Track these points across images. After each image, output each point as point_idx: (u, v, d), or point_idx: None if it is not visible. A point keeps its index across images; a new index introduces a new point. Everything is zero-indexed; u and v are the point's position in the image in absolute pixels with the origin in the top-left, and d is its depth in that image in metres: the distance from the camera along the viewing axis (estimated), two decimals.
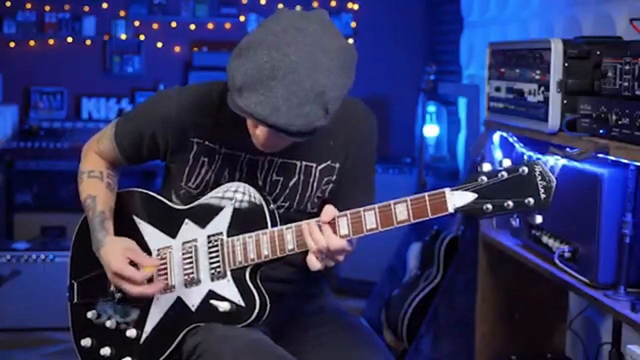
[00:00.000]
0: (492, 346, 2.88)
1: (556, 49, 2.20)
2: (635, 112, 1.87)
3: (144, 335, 1.93)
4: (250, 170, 1.91)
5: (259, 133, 1.75)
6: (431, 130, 5.00)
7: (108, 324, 1.97)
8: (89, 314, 2.00)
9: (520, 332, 2.89)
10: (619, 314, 2.01)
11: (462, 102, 4.82)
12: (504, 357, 2.80)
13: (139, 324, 1.94)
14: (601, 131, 2.01)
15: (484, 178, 1.60)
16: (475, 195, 1.61)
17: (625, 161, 2.01)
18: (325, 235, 1.71)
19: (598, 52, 2.16)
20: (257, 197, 1.85)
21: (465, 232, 3.56)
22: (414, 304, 3.58)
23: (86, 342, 2.00)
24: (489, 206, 1.60)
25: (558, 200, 2.28)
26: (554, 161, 2.31)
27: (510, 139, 2.62)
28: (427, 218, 1.65)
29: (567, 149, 2.18)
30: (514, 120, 2.46)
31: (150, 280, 1.89)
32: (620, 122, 1.93)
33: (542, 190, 1.58)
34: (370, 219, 1.69)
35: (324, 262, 1.73)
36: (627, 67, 1.95)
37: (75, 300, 2.03)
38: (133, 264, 1.87)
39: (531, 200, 1.58)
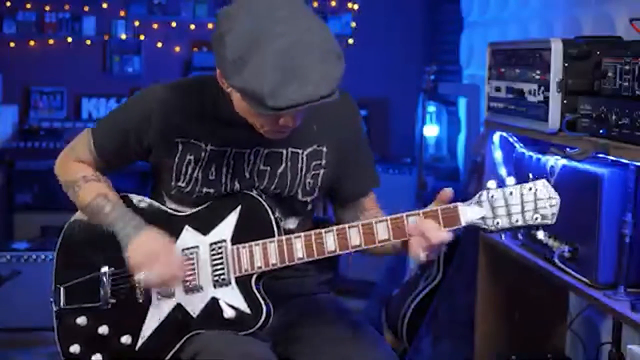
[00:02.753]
0: (492, 346, 2.88)
1: (556, 49, 2.20)
2: (635, 112, 1.87)
3: (140, 341, 1.91)
4: (237, 163, 1.90)
5: (285, 121, 1.72)
6: (431, 130, 5.00)
7: (100, 330, 1.94)
8: (79, 320, 1.97)
9: (520, 332, 2.89)
10: (619, 314, 2.01)
11: (462, 102, 4.82)
12: (504, 357, 2.80)
13: (135, 330, 1.91)
14: (601, 131, 2.01)
15: (494, 195, 1.67)
16: (486, 211, 1.68)
17: (625, 161, 2.01)
18: (433, 228, 1.68)
19: (598, 52, 2.16)
20: (263, 205, 1.85)
21: (465, 232, 3.55)
22: (414, 304, 3.58)
23: (75, 348, 1.96)
24: (499, 221, 1.67)
25: None
26: (554, 161, 2.31)
27: (511, 139, 2.62)
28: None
29: (567, 149, 2.18)
30: (514, 120, 2.46)
31: None
32: (620, 122, 1.93)
33: (548, 208, 1.65)
34: (382, 230, 1.72)
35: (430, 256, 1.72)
36: (627, 67, 1.95)
37: (62, 305, 2.00)
38: None
39: (539, 217, 1.65)
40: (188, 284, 1.87)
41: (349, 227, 1.75)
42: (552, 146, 2.25)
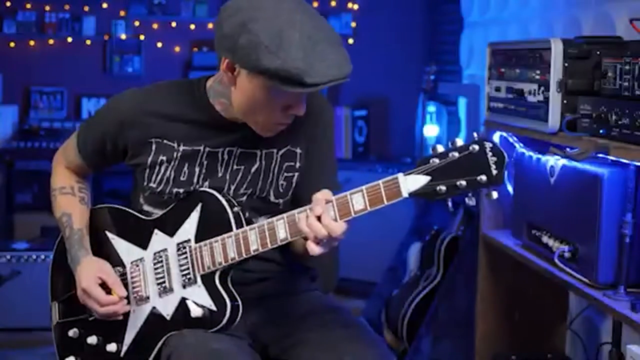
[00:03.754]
0: (492, 346, 2.88)
1: (556, 49, 2.20)
2: (635, 112, 1.87)
3: (124, 348, 1.93)
4: (211, 163, 1.92)
5: (296, 109, 1.79)
6: (431, 130, 5.00)
7: (89, 340, 1.97)
8: (71, 332, 2.00)
9: (520, 332, 2.89)
10: (619, 314, 2.01)
11: (462, 102, 4.82)
12: (504, 357, 2.80)
13: (119, 338, 1.94)
14: (601, 131, 2.01)
15: (436, 160, 1.60)
16: (429, 178, 1.60)
17: (625, 161, 2.01)
18: (324, 224, 1.68)
19: (598, 52, 2.15)
20: (220, 201, 1.86)
21: (465, 232, 3.56)
22: (414, 304, 3.58)
23: None
24: (442, 187, 1.59)
25: (558, 200, 2.29)
26: (554, 161, 2.31)
27: (511, 139, 2.62)
28: (384, 205, 1.65)
29: (567, 149, 2.18)
30: (514, 120, 2.46)
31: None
32: (620, 122, 1.93)
33: (493, 167, 1.57)
34: (329, 211, 1.69)
35: (325, 247, 1.71)
36: (627, 67, 1.95)
37: (58, 320, 2.04)
38: (105, 286, 1.90)
39: (483, 177, 1.57)
40: (160, 287, 1.90)
41: (297, 213, 1.74)
42: (552, 146, 2.25)
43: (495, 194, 1.59)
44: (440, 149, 1.61)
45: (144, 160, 1.93)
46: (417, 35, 5.73)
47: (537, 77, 2.29)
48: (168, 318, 1.88)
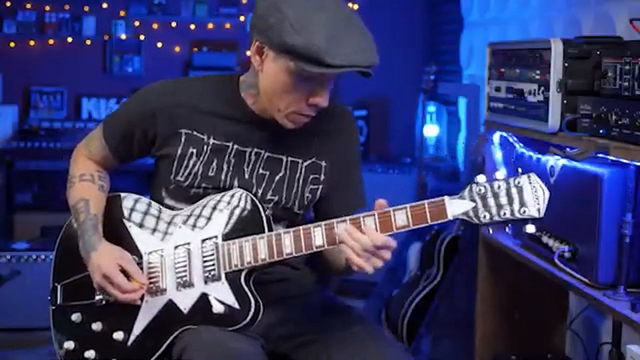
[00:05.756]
0: (492, 346, 2.88)
1: (556, 49, 2.20)
2: (635, 112, 1.87)
3: (132, 338, 1.92)
4: (238, 162, 1.93)
5: (317, 99, 1.80)
6: (431, 130, 5.00)
7: (94, 326, 1.96)
8: (74, 317, 1.98)
9: (520, 332, 2.89)
10: (619, 314, 2.01)
11: (462, 102, 4.82)
12: (504, 357, 2.80)
13: (127, 327, 1.92)
14: (601, 131, 2.01)
15: (481, 188, 1.67)
16: (473, 204, 1.68)
17: (625, 161, 2.01)
18: (367, 233, 1.70)
19: (598, 52, 2.15)
20: (253, 203, 1.86)
21: (465, 232, 3.56)
22: (414, 304, 3.58)
23: (69, 345, 1.98)
24: (486, 215, 1.67)
25: (558, 200, 2.29)
26: (554, 161, 2.31)
27: (511, 139, 2.62)
28: (427, 224, 1.71)
29: (567, 149, 2.18)
30: (514, 120, 2.46)
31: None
32: (620, 122, 1.93)
33: (537, 201, 1.65)
34: (369, 224, 1.71)
35: (371, 263, 1.71)
36: (627, 67, 1.95)
37: (59, 303, 2.02)
38: (123, 272, 1.88)
39: (526, 210, 1.65)
40: (179, 280, 1.89)
41: (337, 223, 1.75)
42: (552, 146, 2.25)
43: (532, 228, 1.70)
44: (483, 178, 1.68)
45: (172, 152, 1.93)
46: (417, 35, 5.73)
47: (537, 77, 2.29)
48: (185, 312, 1.87)
